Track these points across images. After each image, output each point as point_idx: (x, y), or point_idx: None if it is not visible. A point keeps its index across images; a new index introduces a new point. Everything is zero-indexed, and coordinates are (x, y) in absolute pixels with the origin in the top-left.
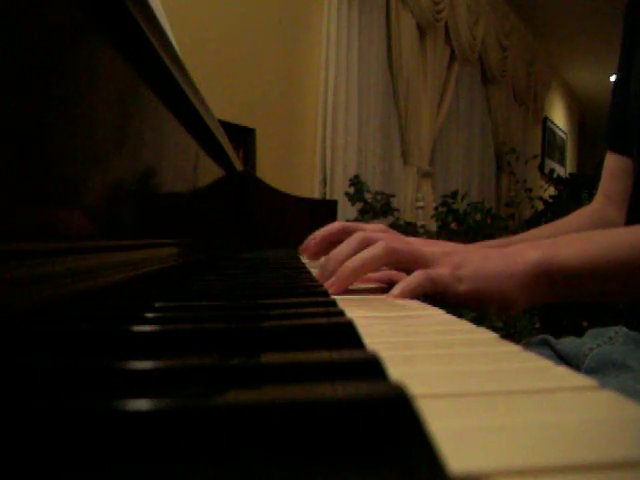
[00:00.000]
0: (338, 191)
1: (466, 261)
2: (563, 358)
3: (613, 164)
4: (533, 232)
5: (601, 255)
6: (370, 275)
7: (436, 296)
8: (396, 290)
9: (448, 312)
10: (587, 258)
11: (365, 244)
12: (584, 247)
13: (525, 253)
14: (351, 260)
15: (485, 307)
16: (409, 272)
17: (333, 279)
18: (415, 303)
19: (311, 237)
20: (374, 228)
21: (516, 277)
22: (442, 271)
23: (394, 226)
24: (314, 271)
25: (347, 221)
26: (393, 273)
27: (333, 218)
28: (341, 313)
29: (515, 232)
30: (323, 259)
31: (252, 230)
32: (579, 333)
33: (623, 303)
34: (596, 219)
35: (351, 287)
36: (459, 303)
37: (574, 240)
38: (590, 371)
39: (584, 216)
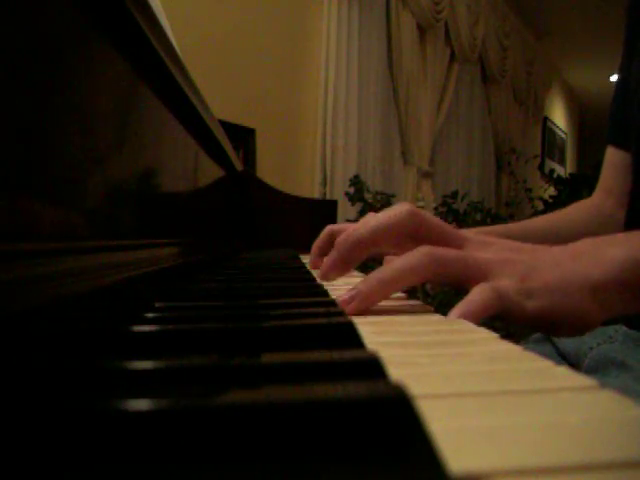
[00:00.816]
0: (338, 191)
1: (535, 269)
2: (564, 356)
3: (614, 159)
4: (531, 221)
5: None
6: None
7: (499, 316)
8: (457, 312)
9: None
10: None
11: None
12: None
13: (605, 251)
14: (380, 270)
15: (556, 327)
16: (457, 285)
17: (352, 293)
18: (415, 302)
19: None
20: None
21: (596, 284)
22: (507, 283)
23: None
24: (314, 271)
25: (347, 221)
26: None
27: (333, 218)
28: (341, 313)
29: None
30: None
31: (252, 230)
32: None
33: None
34: (595, 213)
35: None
36: (525, 323)
37: None
38: (590, 371)
39: (583, 210)
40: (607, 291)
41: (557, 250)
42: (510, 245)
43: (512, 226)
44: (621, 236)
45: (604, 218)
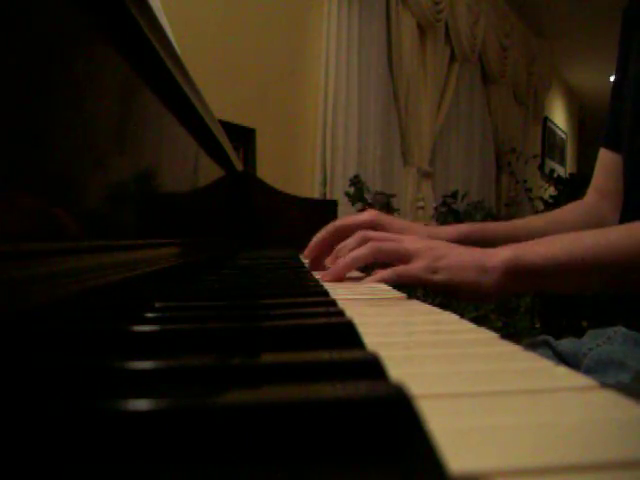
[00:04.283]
0: (338, 191)
1: (445, 254)
2: (563, 359)
3: (606, 160)
4: (531, 221)
5: (561, 255)
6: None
7: (412, 285)
8: (370, 281)
9: (449, 312)
10: (549, 258)
11: (362, 242)
12: (549, 248)
13: (499, 252)
14: (343, 258)
15: (458, 296)
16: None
17: (328, 271)
18: (416, 303)
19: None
20: (364, 217)
21: (488, 271)
22: (418, 264)
23: None
24: (314, 272)
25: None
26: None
27: (333, 218)
28: (341, 313)
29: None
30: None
31: (252, 230)
32: (579, 333)
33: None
34: (590, 214)
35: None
36: (433, 290)
37: (543, 242)
38: (589, 371)
39: (577, 211)
40: (496, 277)
41: (468, 247)
42: (436, 241)
43: (517, 223)
44: (520, 243)
45: (600, 219)
